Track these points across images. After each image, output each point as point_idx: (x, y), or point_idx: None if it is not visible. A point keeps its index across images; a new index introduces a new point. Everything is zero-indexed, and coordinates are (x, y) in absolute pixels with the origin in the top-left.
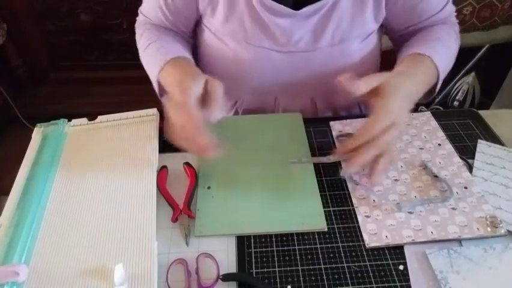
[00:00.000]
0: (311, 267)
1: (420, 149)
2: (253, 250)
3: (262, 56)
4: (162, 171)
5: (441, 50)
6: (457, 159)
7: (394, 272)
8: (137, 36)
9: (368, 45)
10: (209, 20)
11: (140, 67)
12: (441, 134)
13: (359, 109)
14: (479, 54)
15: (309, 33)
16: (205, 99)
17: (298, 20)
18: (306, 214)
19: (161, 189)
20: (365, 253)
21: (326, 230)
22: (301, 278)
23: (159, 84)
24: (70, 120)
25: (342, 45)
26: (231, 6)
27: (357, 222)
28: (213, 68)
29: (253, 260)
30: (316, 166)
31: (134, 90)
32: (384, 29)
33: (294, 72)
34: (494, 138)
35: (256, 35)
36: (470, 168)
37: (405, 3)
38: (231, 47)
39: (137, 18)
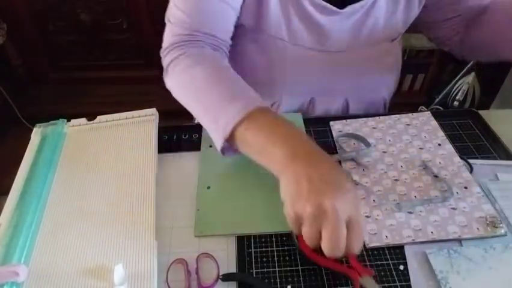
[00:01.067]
0: (311, 267)
1: (420, 149)
2: (253, 250)
3: (304, 56)
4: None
5: None
6: (457, 159)
7: (394, 272)
8: (166, 61)
9: (395, 47)
10: (252, 20)
11: (140, 67)
12: (441, 134)
13: (384, 107)
14: None
15: (348, 32)
16: None
17: (340, 19)
18: None
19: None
20: (365, 253)
21: None
22: (301, 278)
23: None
24: (70, 120)
25: (375, 46)
26: (282, 5)
27: None
28: (248, 69)
29: (253, 260)
30: None
31: (134, 90)
32: (431, 32)
33: (331, 72)
34: (494, 138)
35: (300, 33)
36: (470, 168)
37: None
38: (272, 47)
39: (162, 45)
